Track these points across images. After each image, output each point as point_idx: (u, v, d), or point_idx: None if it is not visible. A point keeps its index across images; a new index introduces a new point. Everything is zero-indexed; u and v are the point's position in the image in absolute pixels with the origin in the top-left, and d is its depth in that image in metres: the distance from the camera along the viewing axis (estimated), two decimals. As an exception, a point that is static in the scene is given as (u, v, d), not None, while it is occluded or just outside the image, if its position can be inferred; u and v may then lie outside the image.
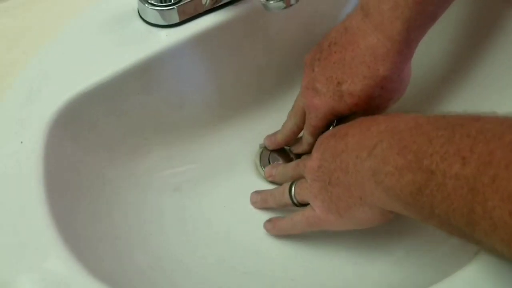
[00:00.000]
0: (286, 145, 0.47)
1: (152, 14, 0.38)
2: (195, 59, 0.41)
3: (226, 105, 0.47)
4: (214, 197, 0.44)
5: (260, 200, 0.44)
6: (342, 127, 0.36)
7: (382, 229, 0.36)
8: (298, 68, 0.46)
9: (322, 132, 0.39)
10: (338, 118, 0.40)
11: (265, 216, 0.43)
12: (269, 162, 0.47)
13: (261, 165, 0.47)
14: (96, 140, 0.39)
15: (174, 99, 0.43)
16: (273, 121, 0.48)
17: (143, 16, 0.39)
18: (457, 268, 0.30)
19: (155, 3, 0.38)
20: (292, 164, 0.43)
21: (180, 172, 0.45)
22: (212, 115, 0.47)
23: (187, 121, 0.45)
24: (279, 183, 0.44)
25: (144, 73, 0.38)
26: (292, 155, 0.47)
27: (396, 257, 0.40)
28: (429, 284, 0.29)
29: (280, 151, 0.48)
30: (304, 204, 0.38)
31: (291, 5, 0.36)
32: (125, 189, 0.40)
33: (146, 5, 0.38)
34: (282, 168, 0.45)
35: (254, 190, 0.45)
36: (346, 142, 0.34)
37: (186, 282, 0.37)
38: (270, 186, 0.46)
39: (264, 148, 0.48)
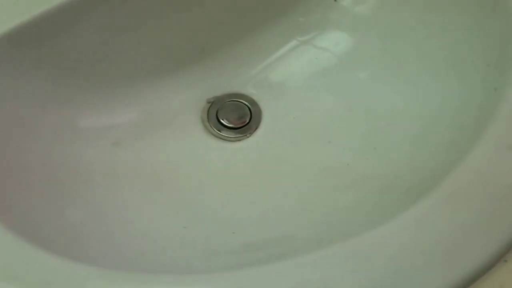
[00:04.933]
0: None
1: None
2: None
3: (170, 54, 0.45)
4: (157, 153, 0.43)
5: None
6: None
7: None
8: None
9: None
10: None
11: (208, 172, 0.42)
12: (217, 118, 0.46)
13: (208, 121, 0.45)
14: (30, 81, 0.36)
15: (115, 44, 0.41)
16: (221, 74, 0.46)
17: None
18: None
19: None
20: None
21: (120, 125, 0.42)
22: (155, 66, 0.44)
23: (128, 70, 0.43)
24: None
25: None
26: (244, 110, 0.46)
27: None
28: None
29: (229, 107, 0.46)
30: None
31: None
32: (57, 139, 0.38)
33: None
34: None
35: (200, 147, 0.43)
36: None
37: (120, 236, 0.35)
38: (218, 143, 0.44)
39: (212, 103, 0.46)
